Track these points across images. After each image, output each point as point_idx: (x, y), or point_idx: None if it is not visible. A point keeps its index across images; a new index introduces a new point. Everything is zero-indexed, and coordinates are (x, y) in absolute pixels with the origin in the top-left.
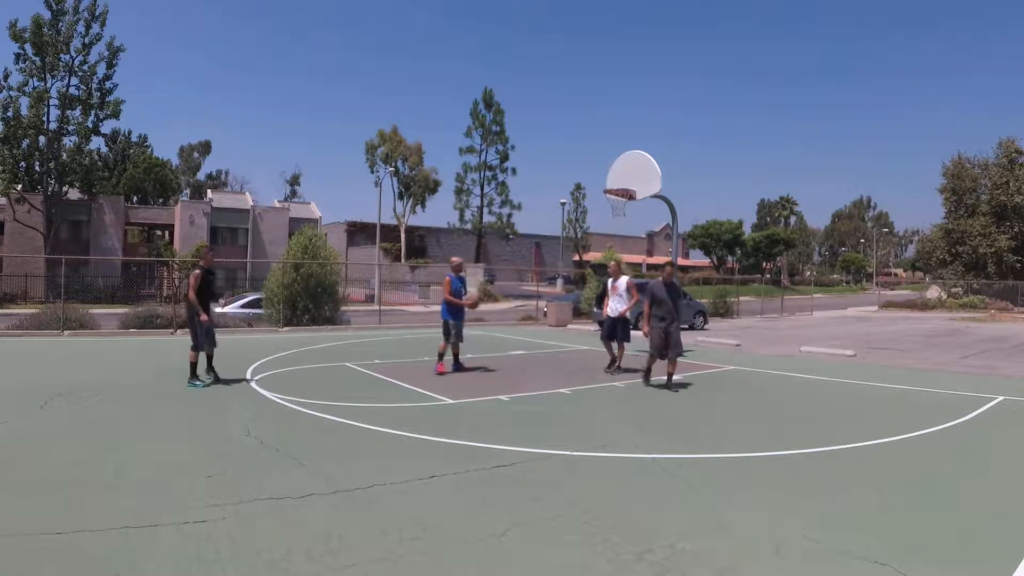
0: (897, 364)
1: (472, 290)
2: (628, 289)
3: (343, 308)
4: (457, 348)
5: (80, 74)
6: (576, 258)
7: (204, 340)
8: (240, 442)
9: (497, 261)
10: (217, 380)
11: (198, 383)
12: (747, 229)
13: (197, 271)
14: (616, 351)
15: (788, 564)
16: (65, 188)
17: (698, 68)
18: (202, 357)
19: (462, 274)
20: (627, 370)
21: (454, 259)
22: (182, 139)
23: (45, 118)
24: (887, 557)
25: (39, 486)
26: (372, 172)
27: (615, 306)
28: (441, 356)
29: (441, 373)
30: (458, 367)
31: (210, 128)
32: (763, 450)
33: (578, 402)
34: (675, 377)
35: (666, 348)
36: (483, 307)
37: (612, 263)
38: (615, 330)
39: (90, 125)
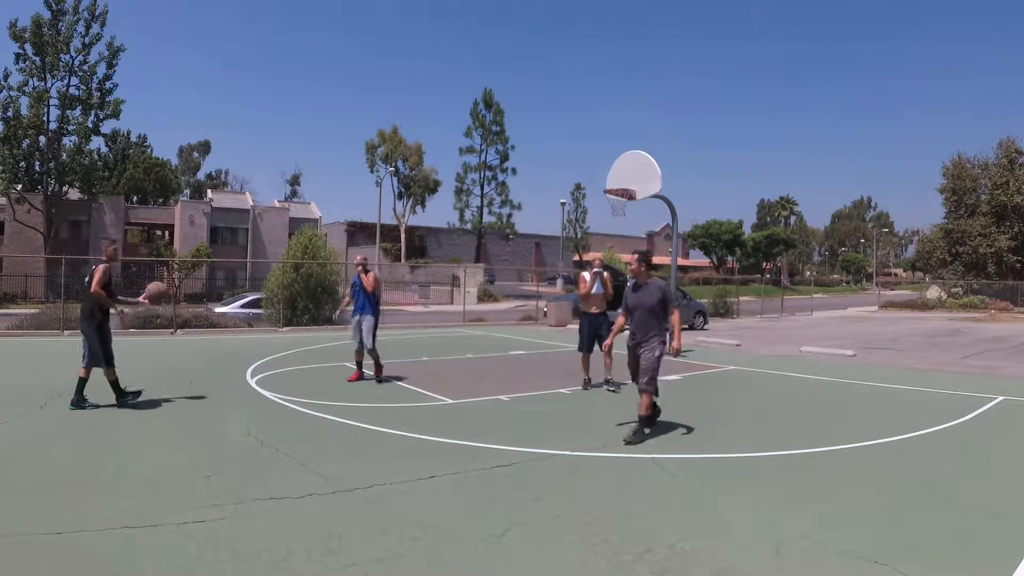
0: (897, 364)
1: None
2: (604, 283)
3: (343, 308)
4: (363, 356)
5: (80, 74)
6: (576, 258)
7: (103, 356)
8: (240, 442)
9: (497, 261)
10: (128, 400)
11: (85, 404)
12: (747, 229)
13: (104, 264)
14: (589, 366)
15: (788, 564)
16: (65, 188)
17: (698, 68)
18: (99, 379)
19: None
20: (620, 383)
21: (359, 256)
22: (182, 139)
23: (45, 118)
24: (887, 557)
25: (39, 486)
26: (372, 172)
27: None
28: (360, 364)
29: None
30: (363, 374)
31: (210, 128)
32: (763, 450)
33: (578, 402)
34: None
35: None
36: (484, 307)
37: (597, 260)
38: (597, 338)
39: (90, 125)
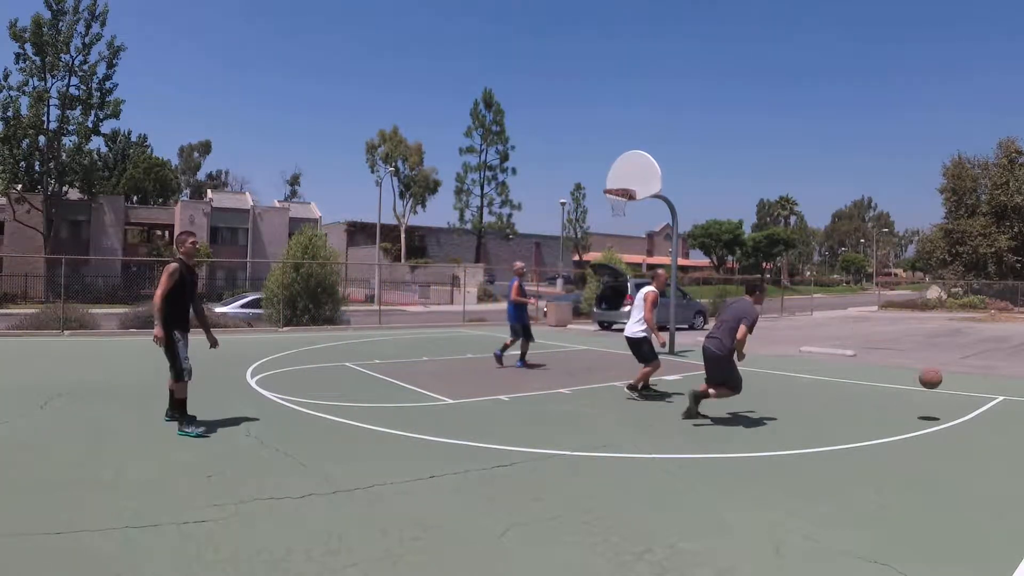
0: (897, 364)
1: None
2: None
3: (343, 308)
4: (526, 345)
5: (80, 74)
6: (576, 258)
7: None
8: (240, 442)
9: (497, 261)
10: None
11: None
12: (747, 229)
13: (173, 263)
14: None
15: (788, 564)
16: (65, 188)
17: (698, 68)
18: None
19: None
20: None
21: (517, 264)
22: (182, 139)
23: (45, 118)
24: (887, 557)
25: (39, 486)
26: (372, 172)
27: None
28: (522, 352)
29: (530, 366)
30: (522, 363)
31: (210, 128)
32: (763, 450)
33: (578, 402)
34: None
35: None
36: (484, 307)
37: (661, 271)
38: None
39: (90, 125)
